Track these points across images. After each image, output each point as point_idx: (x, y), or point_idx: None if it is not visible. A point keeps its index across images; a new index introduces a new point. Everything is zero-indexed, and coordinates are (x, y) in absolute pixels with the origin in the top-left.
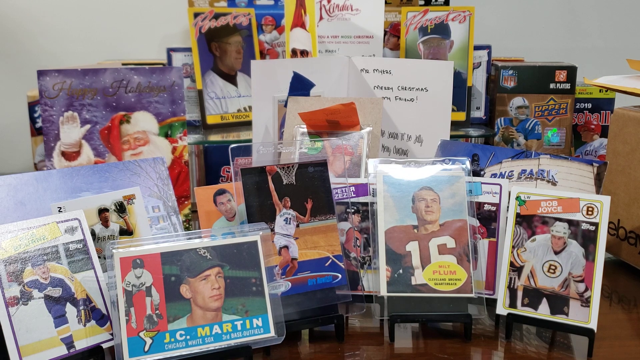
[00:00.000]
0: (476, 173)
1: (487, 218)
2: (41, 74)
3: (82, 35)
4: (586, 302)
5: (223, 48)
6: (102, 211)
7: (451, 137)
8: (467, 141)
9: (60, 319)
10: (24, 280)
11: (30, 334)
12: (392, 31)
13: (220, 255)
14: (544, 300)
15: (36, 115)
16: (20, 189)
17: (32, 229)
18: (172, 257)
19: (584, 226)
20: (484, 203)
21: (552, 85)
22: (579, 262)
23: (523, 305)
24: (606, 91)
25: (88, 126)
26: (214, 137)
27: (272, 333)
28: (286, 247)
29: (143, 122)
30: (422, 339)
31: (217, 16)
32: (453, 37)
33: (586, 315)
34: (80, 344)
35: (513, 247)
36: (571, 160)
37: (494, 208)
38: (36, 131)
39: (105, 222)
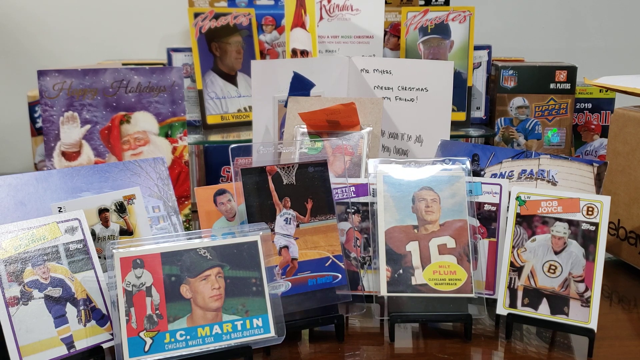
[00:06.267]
0: (476, 173)
1: (487, 218)
2: (41, 74)
3: (82, 35)
4: (586, 302)
5: (223, 48)
6: (102, 211)
7: (451, 137)
8: (467, 141)
9: (60, 319)
10: (24, 280)
11: (31, 334)
12: (392, 31)
13: (221, 255)
14: (544, 300)
15: (36, 115)
16: (21, 189)
17: (32, 229)
18: (172, 257)
19: (584, 226)
20: (484, 203)
21: (552, 85)
22: (579, 262)
23: (523, 305)
24: (606, 91)
25: (88, 126)
26: (214, 137)
27: (272, 333)
28: (286, 247)
29: (143, 122)
30: (422, 339)
31: (217, 16)
32: (453, 37)
33: (586, 315)
34: (81, 344)
35: (513, 247)
36: (571, 160)
37: (494, 208)
38: (36, 131)
39: (105, 222)
